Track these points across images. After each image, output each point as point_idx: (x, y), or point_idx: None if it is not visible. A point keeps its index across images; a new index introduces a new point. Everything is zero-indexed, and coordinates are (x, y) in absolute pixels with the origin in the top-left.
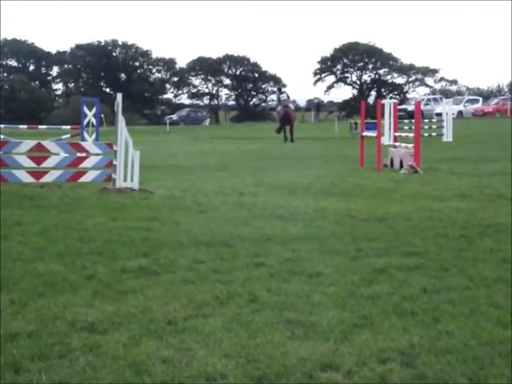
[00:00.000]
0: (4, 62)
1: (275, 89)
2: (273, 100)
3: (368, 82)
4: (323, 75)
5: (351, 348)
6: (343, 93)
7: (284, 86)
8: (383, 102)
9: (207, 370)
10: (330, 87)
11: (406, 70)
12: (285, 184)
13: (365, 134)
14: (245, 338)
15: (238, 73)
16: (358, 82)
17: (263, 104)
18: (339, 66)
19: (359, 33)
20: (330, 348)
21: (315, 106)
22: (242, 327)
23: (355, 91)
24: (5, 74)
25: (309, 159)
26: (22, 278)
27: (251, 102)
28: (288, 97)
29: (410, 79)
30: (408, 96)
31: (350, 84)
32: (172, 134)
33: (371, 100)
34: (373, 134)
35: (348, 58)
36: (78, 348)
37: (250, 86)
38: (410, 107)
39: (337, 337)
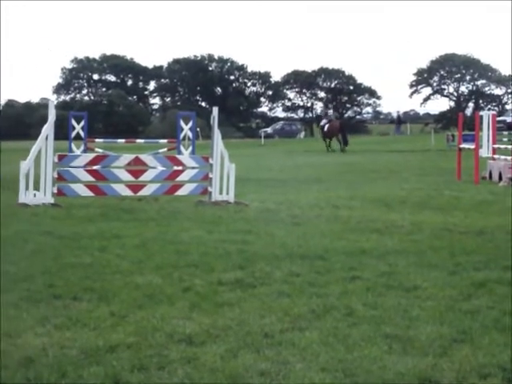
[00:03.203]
0: (103, 77)
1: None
2: (368, 112)
3: (465, 93)
4: (419, 87)
5: (451, 363)
6: (440, 104)
7: (379, 98)
8: (481, 113)
9: None
10: (426, 99)
11: (505, 80)
12: (380, 197)
13: (462, 146)
14: (342, 351)
15: (332, 85)
16: (455, 93)
17: (358, 116)
18: (436, 78)
19: (456, 44)
20: (429, 363)
21: (396, 118)
22: (339, 341)
23: (452, 103)
24: (104, 89)
25: (405, 172)
26: (122, 290)
27: (346, 115)
28: (332, 112)
29: (509, 90)
30: (507, 107)
31: (446, 96)
32: (267, 147)
33: (469, 112)
34: (471, 146)
35: (445, 69)
36: (177, 360)
37: (345, 98)
38: (510, 119)
39: (436, 352)
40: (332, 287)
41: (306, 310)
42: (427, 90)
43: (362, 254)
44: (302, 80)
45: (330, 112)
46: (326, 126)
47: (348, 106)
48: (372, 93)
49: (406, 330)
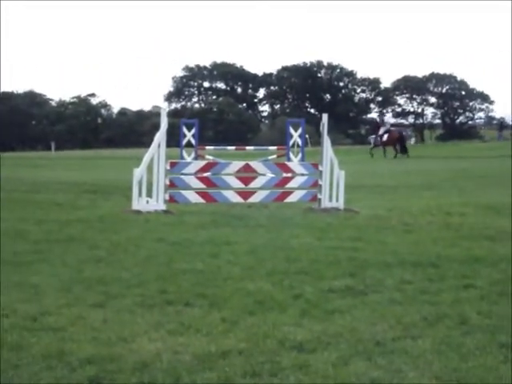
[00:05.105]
0: (213, 85)
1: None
2: (480, 118)
3: None
4: None
5: None
6: None
7: (492, 103)
8: None
9: None
10: None
11: None
12: (493, 203)
13: None
14: (456, 360)
15: (443, 91)
16: None
17: (470, 122)
18: None
19: None
20: None
21: (499, 124)
22: (453, 350)
23: None
24: (214, 97)
25: None
26: (233, 296)
27: (457, 121)
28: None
29: None
30: None
31: None
32: (376, 153)
33: None
34: None
35: None
36: (288, 367)
37: (457, 104)
38: None
39: None
40: (444, 295)
41: (418, 318)
42: None
43: (474, 261)
44: (412, 85)
45: (387, 119)
46: (386, 136)
47: (460, 111)
48: (485, 98)
49: None
